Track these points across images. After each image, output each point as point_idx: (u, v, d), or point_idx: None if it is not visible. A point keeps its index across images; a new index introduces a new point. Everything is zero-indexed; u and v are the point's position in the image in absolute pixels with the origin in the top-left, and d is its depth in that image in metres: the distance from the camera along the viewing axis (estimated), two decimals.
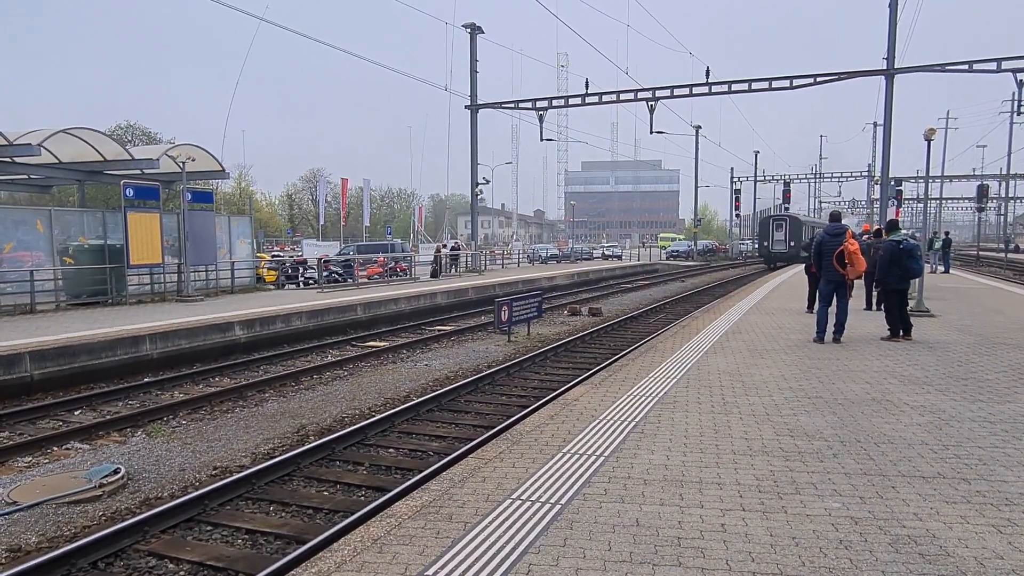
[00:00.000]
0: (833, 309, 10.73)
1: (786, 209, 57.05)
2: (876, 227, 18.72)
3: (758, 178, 68.72)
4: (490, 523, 4.10)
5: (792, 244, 42.37)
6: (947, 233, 31.14)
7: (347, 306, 17.41)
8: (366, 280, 25.78)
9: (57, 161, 18.41)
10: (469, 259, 33.49)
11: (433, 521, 4.16)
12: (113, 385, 11.03)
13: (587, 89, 29.07)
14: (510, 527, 4.04)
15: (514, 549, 3.75)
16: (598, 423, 6.22)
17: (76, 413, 9.65)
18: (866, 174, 66.01)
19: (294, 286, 25.17)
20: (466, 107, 31.08)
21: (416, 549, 3.79)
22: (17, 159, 16.67)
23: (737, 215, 67.54)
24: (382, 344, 15.19)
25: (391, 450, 7.91)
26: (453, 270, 32.24)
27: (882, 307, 12.06)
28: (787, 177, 64.78)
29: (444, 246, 36.25)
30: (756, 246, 54.36)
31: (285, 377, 11.59)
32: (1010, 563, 3.54)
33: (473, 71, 30.58)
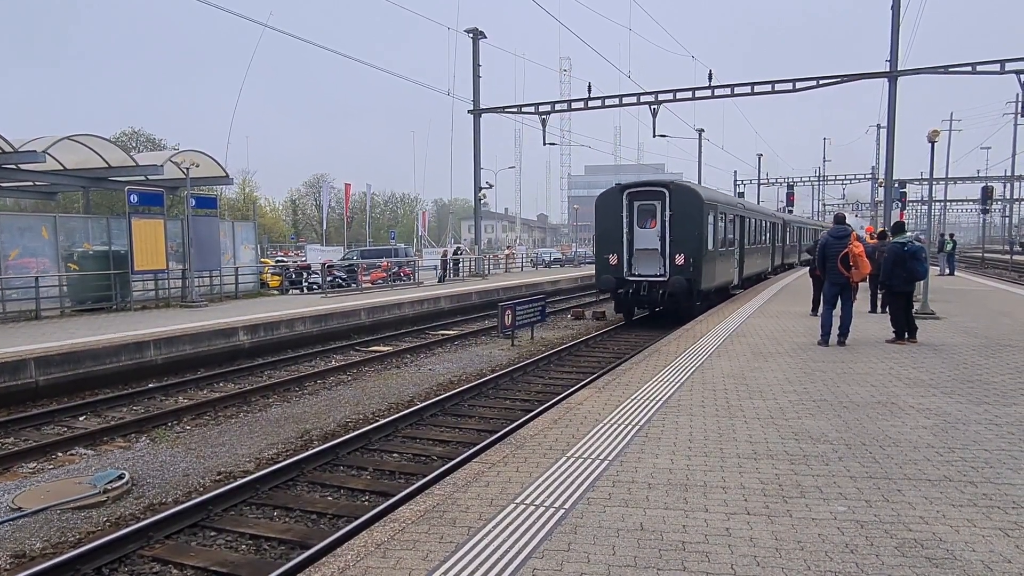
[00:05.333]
0: (837, 312, 10.70)
1: (789, 211, 50.55)
2: (880, 229, 18.68)
3: (762, 181, 68.63)
4: (494, 527, 4.09)
5: (689, 261, 16.77)
6: (952, 235, 31.07)
7: (351, 311, 17.42)
8: (370, 285, 25.80)
9: (62, 168, 18.50)
10: (473, 263, 33.49)
11: (437, 526, 4.15)
12: (118, 391, 11.06)
13: (590, 93, 29.08)
14: (514, 531, 4.03)
15: (518, 554, 3.74)
16: (602, 427, 6.20)
17: (81, 419, 9.67)
18: (870, 176, 65.95)
19: (298, 291, 25.19)
20: (469, 112, 31.14)
21: (420, 554, 3.78)
22: (22, 166, 16.76)
23: None
24: (386, 348, 15.20)
25: (395, 455, 7.91)
26: (455, 274, 32.26)
27: (887, 310, 12.03)
28: (791, 180, 64.65)
29: (455, 251, 36.30)
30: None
31: (289, 382, 11.59)
32: (1017, 567, 3.52)
33: (476, 76, 30.64)
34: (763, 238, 26.70)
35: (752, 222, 23.82)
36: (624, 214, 17.29)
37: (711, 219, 17.56)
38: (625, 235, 17.30)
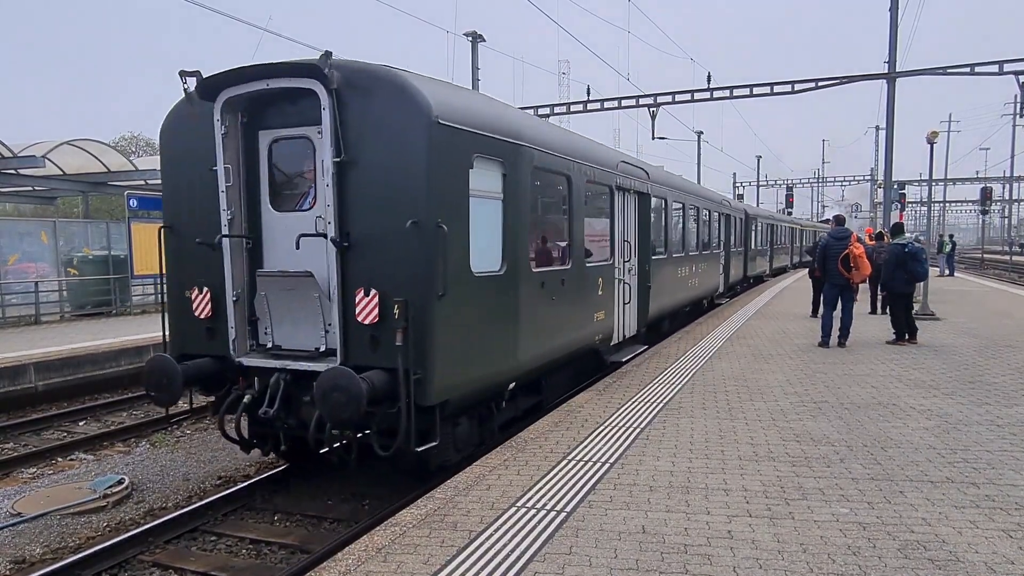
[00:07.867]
0: (838, 313, 10.70)
1: (789, 212, 48.89)
2: (878, 231, 18.68)
3: (761, 183, 68.72)
4: (495, 531, 4.08)
5: (393, 313, 4.98)
6: (951, 236, 31.08)
7: None
8: None
9: (61, 172, 18.46)
10: None
11: (438, 530, 4.13)
12: (117, 395, 11.03)
13: (588, 96, 29.09)
14: (515, 535, 4.01)
15: (519, 557, 3.72)
16: (603, 429, 6.19)
17: (80, 424, 9.66)
18: (869, 178, 66.01)
19: None
20: None
21: (421, 558, 3.76)
22: (21, 171, 16.73)
23: None
24: None
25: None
26: None
27: (887, 311, 12.03)
28: (790, 181, 64.67)
29: None
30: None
31: None
32: (1021, 568, 3.51)
33: (475, 79, 30.67)
34: (707, 239, 16.35)
35: (679, 210, 13.29)
36: (221, 168, 5.68)
37: (495, 181, 6.19)
38: (225, 231, 5.74)
